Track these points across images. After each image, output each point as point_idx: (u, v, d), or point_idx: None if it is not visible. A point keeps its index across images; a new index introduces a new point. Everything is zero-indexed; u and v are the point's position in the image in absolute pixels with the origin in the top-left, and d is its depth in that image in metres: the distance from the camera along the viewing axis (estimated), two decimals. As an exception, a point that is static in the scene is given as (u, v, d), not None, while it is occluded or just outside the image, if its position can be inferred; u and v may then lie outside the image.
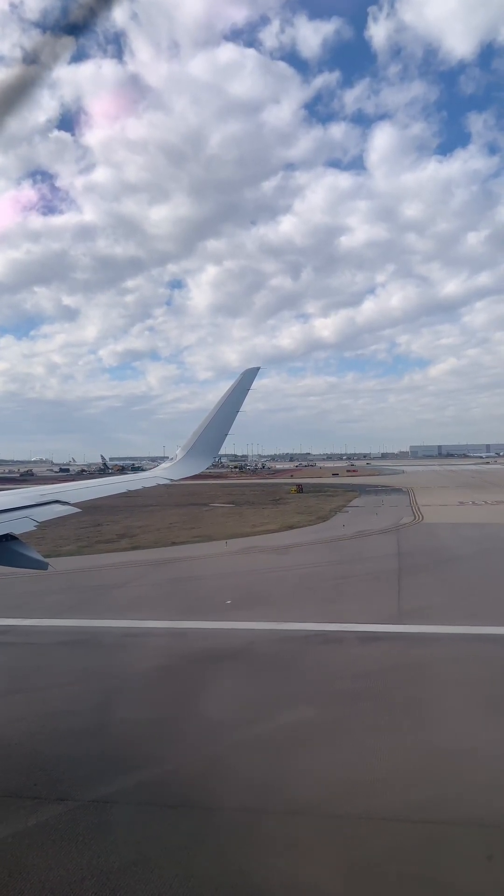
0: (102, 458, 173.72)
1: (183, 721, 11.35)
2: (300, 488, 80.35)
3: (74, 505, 9.17)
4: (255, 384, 13.59)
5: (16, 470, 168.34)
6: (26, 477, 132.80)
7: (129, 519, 51.63)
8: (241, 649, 15.63)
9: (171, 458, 13.84)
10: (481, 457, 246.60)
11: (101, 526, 46.45)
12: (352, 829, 7.95)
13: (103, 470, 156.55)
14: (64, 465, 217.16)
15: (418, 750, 10.00)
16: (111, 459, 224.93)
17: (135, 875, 7.11)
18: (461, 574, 25.07)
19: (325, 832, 7.91)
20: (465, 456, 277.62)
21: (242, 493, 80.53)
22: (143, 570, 27.23)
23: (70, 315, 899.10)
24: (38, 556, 7.34)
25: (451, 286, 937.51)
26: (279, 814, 8.35)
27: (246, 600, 20.73)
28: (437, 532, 37.46)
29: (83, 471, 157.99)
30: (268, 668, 14.18)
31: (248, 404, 13.32)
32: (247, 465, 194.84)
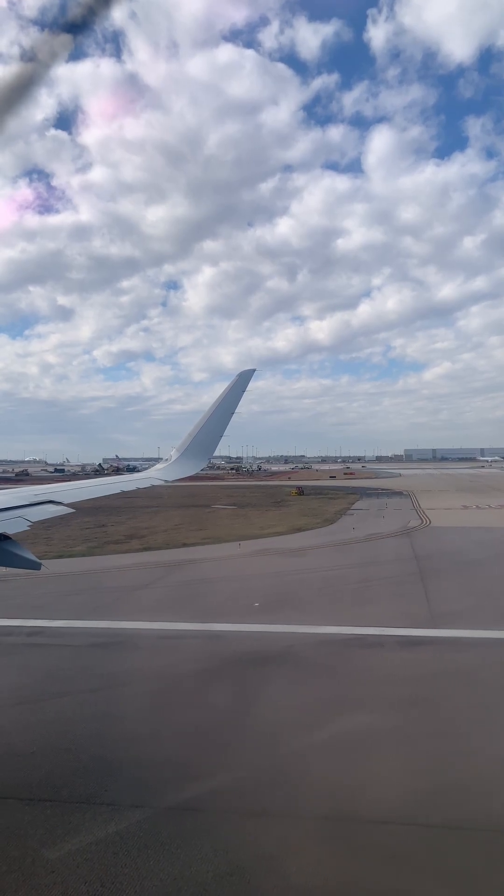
0: (117, 457, 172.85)
1: (242, 726, 11.18)
2: (300, 491, 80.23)
3: (68, 505, 9.10)
4: (250, 386, 13.55)
5: (10, 470, 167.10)
6: (21, 477, 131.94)
7: (133, 520, 51.30)
8: (282, 653, 15.46)
9: (166, 459, 13.75)
10: (486, 460, 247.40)
11: (105, 527, 46.10)
12: (446, 839, 7.79)
13: (98, 471, 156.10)
14: (59, 465, 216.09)
15: (492, 756, 9.87)
16: (105, 460, 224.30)
17: (232, 885, 6.94)
18: (484, 578, 25.04)
19: (418, 841, 7.75)
20: (474, 459, 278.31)
21: (243, 495, 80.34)
22: (160, 572, 27.00)
23: (65, 315, 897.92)
24: (32, 557, 7.27)
25: (447, 290, 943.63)
26: (366, 822, 8.18)
27: (273, 603, 20.56)
28: (448, 536, 37.45)
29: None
30: (315, 672, 14.03)
31: (243, 406, 13.26)
32: (243, 466, 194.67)
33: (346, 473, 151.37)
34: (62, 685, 13.43)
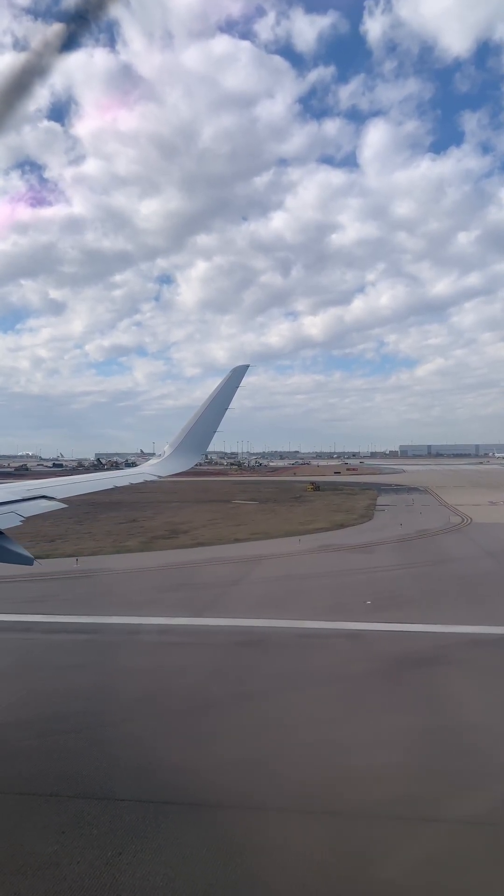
0: (141, 451, 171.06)
1: (450, 730, 10.64)
2: (316, 486, 79.94)
3: (61, 500, 9.09)
4: (243, 381, 13.54)
5: (7, 465, 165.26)
6: (21, 472, 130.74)
7: (161, 515, 50.41)
8: (442, 653, 14.92)
9: (159, 455, 13.53)
10: (498, 456, 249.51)
11: (137, 522, 45.22)
12: None
13: (96, 465, 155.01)
14: (56, 459, 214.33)
15: None
16: (97, 455, 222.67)
17: None
18: None
19: None
20: (476, 455, 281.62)
21: (257, 490, 79.76)
22: (238, 568, 26.37)
23: (56, 309, 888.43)
24: (24, 552, 7.19)
25: (441, 286, 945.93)
26: None
27: (384, 601, 20.05)
28: (500, 533, 37.18)
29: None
30: (496, 674, 13.53)
31: (236, 401, 13.33)
32: (241, 462, 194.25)
33: (347, 469, 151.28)
34: (237, 686, 12.84)
